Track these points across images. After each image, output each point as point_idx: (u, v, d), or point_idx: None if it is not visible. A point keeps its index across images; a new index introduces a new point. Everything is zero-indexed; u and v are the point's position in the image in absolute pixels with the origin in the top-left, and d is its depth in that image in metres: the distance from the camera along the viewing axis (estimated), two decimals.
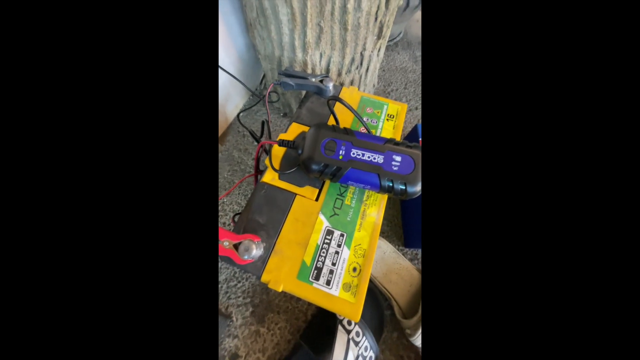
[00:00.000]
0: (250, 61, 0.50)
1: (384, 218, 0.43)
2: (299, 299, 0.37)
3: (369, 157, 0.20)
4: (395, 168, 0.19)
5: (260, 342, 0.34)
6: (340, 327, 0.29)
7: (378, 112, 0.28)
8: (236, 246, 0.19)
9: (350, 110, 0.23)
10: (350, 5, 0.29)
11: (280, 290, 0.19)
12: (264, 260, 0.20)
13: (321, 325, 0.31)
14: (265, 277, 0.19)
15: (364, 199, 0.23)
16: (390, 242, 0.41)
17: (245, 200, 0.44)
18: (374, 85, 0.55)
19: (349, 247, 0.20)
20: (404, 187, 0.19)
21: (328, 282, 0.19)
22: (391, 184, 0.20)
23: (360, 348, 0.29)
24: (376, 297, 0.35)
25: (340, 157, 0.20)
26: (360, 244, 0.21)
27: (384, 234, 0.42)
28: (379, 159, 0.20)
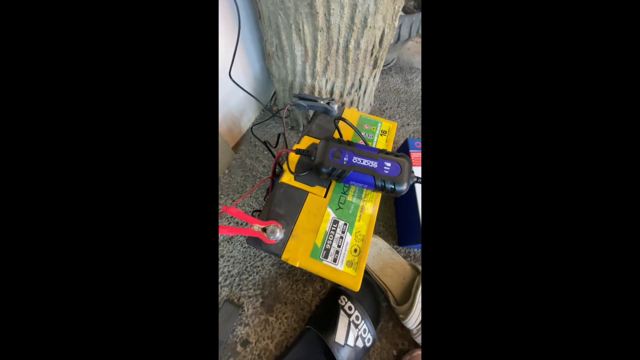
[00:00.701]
0: (263, 82, 0.58)
1: (381, 220, 0.49)
2: (304, 291, 0.41)
3: (366, 163, 0.26)
4: (386, 171, 0.25)
5: (269, 330, 0.38)
6: (342, 312, 0.34)
7: (374, 129, 0.35)
8: (264, 229, 0.24)
9: (352, 127, 0.30)
10: (351, 45, 0.37)
11: (297, 265, 0.24)
12: (284, 242, 0.25)
13: (325, 311, 0.35)
14: (285, 256, 0.24)
15: (363, 196, 0.28)
16: (386, 241, 0.46)
17: (256, 202, 0.49)
18: (370, 104, 0.63)
19: (350, 233, 0.26)
20: (393, 186, 0.25)
21: (335, 260, 0.24)
22: (383, 184, 0.25)
23: (359, 330, 0.33)
24: (374, 290, 0.39)
25: (344, 162, 0.26)
26: (359, 231, 0.26)
27: (380, 234, 0.47)
28: (374, 164, 0.26)
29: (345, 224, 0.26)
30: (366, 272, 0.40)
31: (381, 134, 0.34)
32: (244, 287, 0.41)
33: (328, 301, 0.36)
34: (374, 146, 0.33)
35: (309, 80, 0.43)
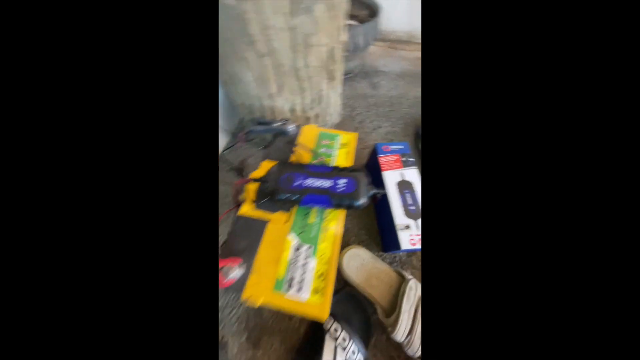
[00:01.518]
0: (227, 107, 0.58)
1: (363, 228, 0.48)
2: (291, 317, 0.39)
3: (320, 183, 0.25)
4: (340, 189, 0.25)
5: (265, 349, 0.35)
6: (327, 336, 0.32)
7: (332, 143, 0.35)
8: (220, 269, 0.23)
9: (305, 150, 0.29)
10: (300, 64, 0.37)
11: (258, 305, 0.23)
12: (244, 279, 0.24)
13: (309, 339, 0.34)
14: (245, 294, 0.23)
15: (324, 216, 0.28)
16: (369, 249, 0.45)
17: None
18: (339, 114, 0.64)
19: (315, 256, 0.25)
20: (349, 202, 0.25)
21: (299, 289, 0.23)
22: (339, 201, 0.25)
23: (347, 352, 0.31)
24: (362, 304, 0.38)
25: (298, 187, 0.25)
26: (324, 254, 0.25)
27: (363, 242, 0.46)
28: (328, 183, 0.25)
29: (309, 248, 0.25)
30: (353, 286, 0.39)
31: (341, 147, 0.34)
32: (227, 323, 0.39)
33: (313, 326, 0.35)
34: (333, 161, 0.32)
35: (266, 102, 0.43)
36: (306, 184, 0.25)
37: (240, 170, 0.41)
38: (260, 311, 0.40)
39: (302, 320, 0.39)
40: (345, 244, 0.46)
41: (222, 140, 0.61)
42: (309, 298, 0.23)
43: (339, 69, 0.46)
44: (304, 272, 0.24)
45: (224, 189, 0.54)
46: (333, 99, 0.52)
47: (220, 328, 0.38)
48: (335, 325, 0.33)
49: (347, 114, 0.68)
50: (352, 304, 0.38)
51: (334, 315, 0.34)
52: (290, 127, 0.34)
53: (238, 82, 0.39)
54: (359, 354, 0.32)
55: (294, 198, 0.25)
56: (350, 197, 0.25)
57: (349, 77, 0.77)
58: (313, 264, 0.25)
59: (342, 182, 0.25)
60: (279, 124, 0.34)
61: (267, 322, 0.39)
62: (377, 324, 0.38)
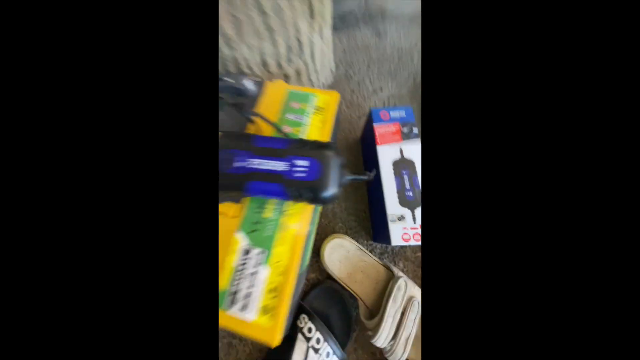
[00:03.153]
0: None
1: (352, 213, 0.41)
2: None
3: (268, 165, 0.17)
4: (300, 175, 0.17)
5: (233, 354, 0.34)
6: (299, 336, 0.28)
7: (304, 106, 0.25)
8: None
9: (266, 121, 0.20)
10: None
11: None
12: None
13: (286, 337, 0.30)
14: None
15: (283, 209, 0.20)
16: (358, 238, 0.39)
17: None
18: (331, 71, 0.51)
19: (266, 265, 0.19)
20: (312, 193, 0.17)
21: (244, 307, 0.18)
22: (298, 192, 0.17)
23: (321, 355, 0.28)
24: (342, 299, 0.34)
25: (238, 169, 0.17)
26: (279, 260, 0.19)
27: (352, 229, 0.40)
28: (280, 166, 0.17)
29: (261, 252, 0.19)
30: (334, 280, 0.34)
31: (316, 112, 0.25)
32: None
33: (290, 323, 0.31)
34: (303, 133, 0.23)
35: (225, 50, 0.32)
36: (251, 166, 0.17)
37: None
38: None
39: None
40: (330, 231, 0.40)
41: None
42: (256, 319, 0.17)
43: (321, 2, 0.33)
44: (252, 285, 0.18)
45: None
46: (319, 48, 0.40)
47: None
48: (310, 324, 0.29)
49: (341, 72, 0.54)
50: (331, 299, 0.34)
51: (308, 313, 0.30)
52: (248, 84, 0.24)
53: None
54: (334, 356, 0.29)
55: (236, 183, 0.18)
56: (313, 186, 0.17)
57: (350, 21, 0.60)
58: (265, 274, 0.18)
59: (301, 163, 0.17)
60: (232, 78, 0.24)
61: None
62: (359, 320, 0.34)
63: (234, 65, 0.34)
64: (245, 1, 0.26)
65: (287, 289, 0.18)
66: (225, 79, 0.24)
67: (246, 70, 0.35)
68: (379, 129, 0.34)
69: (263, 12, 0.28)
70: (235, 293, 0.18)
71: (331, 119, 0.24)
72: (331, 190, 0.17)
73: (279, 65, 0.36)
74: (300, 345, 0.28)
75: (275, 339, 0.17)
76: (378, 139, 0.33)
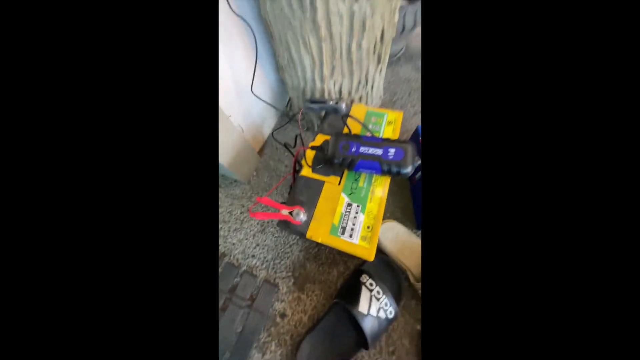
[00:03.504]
0: (278, 91, 0.65)
1: (398, 207, 0.51)
2: (330, 272, 0.46)
3: (372, 151, 0.29)
4: (390, 157, 0.29)
5: (301, 305, 0.43)
6: (363, 287, 0.38)
7: (380, 120, 0.38)
8: (290, 213, 0.29)
9: (358, 122, 0.33)
10: (353, 48, 0.41)
11: (319, 241, 0.29)
12: (307, 223, 0.30)
13: (349, 287, 0.39)
14: (309, 234, 0.29)
15: (373, 181, 0.32)
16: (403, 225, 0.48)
17: (281, 197, 0.56)
18: (380, 97, 0.65)
19: (363, 213, 0.30)
20: (398, 169, 0.29)
21: (350, 235, 0.29)
22: (389, 168, 0.29)
23: (381, 303, 0.36)
24: (394, 270, 0.42)
25: (353, 153, 0.30)
26: (371, 211, 0.30)
27: (398, 219, 0.50)
28: (379, 151, 0.29)
29: (358, 206, 0.30)
30: (386, 254, 0.43)
31: (387, 124, 0.38)
32: (278, 270, 0.47)
33: (351, 279, 0.41)
34: (380, 136, 0.36)
35: (318, 84, 0.47)
36: (360, 151, 0.30)
37: (291, 146, 0.48)
38: (304, 264, 0.47)
39: (339, 275, 0.45)
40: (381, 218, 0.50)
41: (273, 121, 0.68)
42: (358, 243, 0.28)
43: (386, 52, 0.48)
44: (354, 224, 0.29)
45: (273, 164, 0.62)
46: (377, 82, 0.54)
47: (272, 273, 0.47)
48: (371, 281, 0.38)
49: (387, 98, 0.69)
50: (385, 269, 0.42)
51: (369, 273, 0.39)
52: (342, 105, 0.38)
53: (297, 65, 0.45)
54: (391, 307, 0.37)
55: (348, 162, 0.30)
56: (398, 165, 0.29)
57: (393, 60, 0.76)
58: (362, 218, 0.30)
59: (391, 151, 0.29)
60: (333, 102, 0.39)
61: (310, 273, 0.46)
62: (407, 290, 0.42)
63: (320, 93, 0.50)
64: (341, 56, 0.42)
65: (376, 228, 0.29)
66: (329, 103, 0.39)
67: (327, 96, 0.50)
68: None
69: (351, 62, 0.43)
70: (344, 227, 0.29)
71: (398, 129, 0.37)
72: (409, 167, 0.29)
73: (349, 93, 0.51)
74: (365, 293, 0.37)
75: (371, 255, 0.27)
76: None
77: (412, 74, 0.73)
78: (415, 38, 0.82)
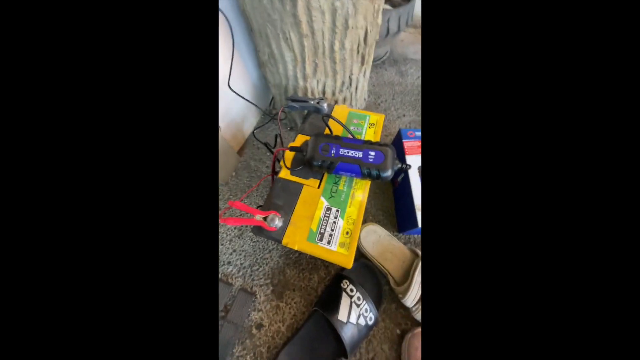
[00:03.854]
0: (261, 88, 0.62)
1: (381, 209, 0.51)
2: (310, 278, 0.44)
3: (352, 153, 0.28)
4: (370, 160, 0.28)
5: (280, 314, 0.41)
6: (344, 293, 0.36)
7: (362, 122, 0.37)
8: (265, 218, 0.27)
9: (339, 123, 0.32)
10: (336, 47, 0.39)
11: (296, 248, 0.27)
12: (283, 229, 0.28)
13: (329, 294, 0.38)
14: (285, 240, 0.27)
15: (353, 184, 0.31)
16: (385, 229, 0.48)
17: (261, 199, 0.53)
18: (365, 99, 0.65)
19: (342, 218, 0.29)
20: (377, 172, 0.28)
21: (329, 242, 0.27)
22: (369, 171, 0.28)
23: (361, 309, 0.35)
24: (375, 274, 0.42)
25: (332, 155, 0.29)
26: (350, 216, 0.29)
27: (380, 222, 0.49)
28: (359, 154, 0.28)
29: (337, 211, 0.29)
30: (367, 258, 0.43)
31: (369, 126, 0.37)
32: (255, 277, 0.45)
33: (332, 285, 0.39)
34: (362, 138, 0.35)
35: (301, 82, 0.46)
36: (340, 153, 0.28)
37: (271, 146, 0.45)
38: (283, 270, 0.45)
39: (320, 281, 0.43)
40: (363, 221, 0.49)
41: (255, 119, 0.65)
42: (336, 249, 0.27)
43: (370, 53, 0.47)
44: (333, 229, 0.28)
45: (254, 164, 0.59)
46: (361, 83, 0.54)
47: (249, 281, 0.44)
48: (352, 286, 0.37)
49: (371, 100, 0.69)
50: (366, 273, 0.42)
51: (350, 278, 0.38)
52: (324, 105, 0.37)
53: (278, 61, 0.43)
54: (371, 313, 0.36)
55: (328, 164, 0.29)
56: (378, 168, 0.28)
57: (377, 63, 0.77)
58: (341, 223, 0.28)
59: (371, 154, 0.28)
60: (315, 101, 0.37)
61: (289, 280, 0.44)
62: (387, 294, 0.41)
63: (303, 92, 0.48)
64: (324, 54, 0.41)
65: (355, 234, 0.28)
66: (311, 102, 0.37)
67: (310, 95, 0.49)
68: (407, 143, 0.46)
69: (334, 61, 0.42)
70: (322, 233, 0.28)
71: (379, 131, 0.36)
72: (389, 171, 0.28)
73: (333, 94, 0.50)
74: (345, 299, 0.36)
75: (349, 263, 0.26)
76: (406, 151, 0.45)
77: (396, 77, 0.74)
78: (400, 43, 0.84)
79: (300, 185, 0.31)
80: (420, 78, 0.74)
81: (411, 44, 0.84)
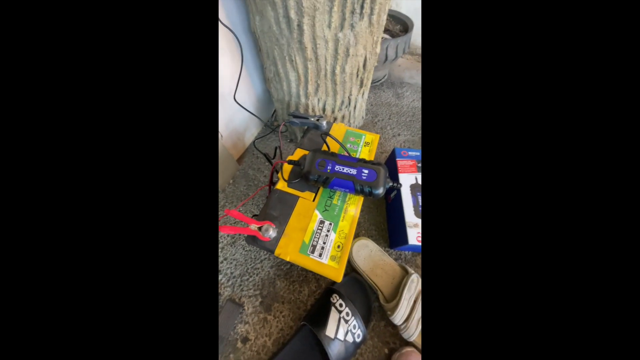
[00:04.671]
0: (264, 101, 0.65)
1: (373, 224, 0.52)
2: (300, 291, 0.44)
3: (347, 170, 0.30)
4: (364, 177, 0.30)
5: (267, 328, 0.40)
6: (333, 308, 0.36)
7: (358, 141, 0.39)
8: (259, 228, 0.28)
9: (336, 141, 0.34)
10: (337, 71, 0.43)
11: (288, 259, 0.28)
12: (277, 240, 0.29)
13: (318, 308, 0.38)
14: (277, 251, 0.28)
15: (346, 199, 0.32)
16: (377, 244, 0.49)
17: (257, 208, 0.54)
18: (362, 118, 0.69)
19: (335, 232, 0.30)
20: (370, 189, 0.29)
21: (320, 255, 0.28)
22: (361, 188, 0.30)
23: (349, 325, 0.35)
24: (365, 290, 0.42)
25: (328, 170, 0.30)
26: (343, 230, 0.30)
27: (372, 237, 0.50)
28: (353, 171, 0.30)
29: (330, 224, 0.30)
30: (358, 273, 0.43)
31: (364, 145, 0.39)
32: (245, 287, 0.44)
33: (321, 299, 0.39)
34: (357, 156, 0.37)
35: (303, 100, 0.49)
36: (335, 169, 0.30)
37: (271, 157, 0.47)
38: (274, 282, 0.45)
39: (310, 295, 0.43)
40: (355, 236, 0.50)
41: (256, 130, 0.67)
42: (327, 262, 0.27)
43: (369, 77, 0.51)
44: (325, 242, 0.29)
45: (252, 173, 0.60)
46: (359, 103, 0.57)
47: (238, 291, 0.44)
48: (341, 301, 0.37)
49: (369, 119, 0.72)
50: (357, 288, 0.42)
51: (339, 293, 0.38)
52: (324, 123, 0.39)
53: (283, 80, 0.46)
54: (359, 330, 0.36)
55: (323, 179, 0.30)
56: (371, 185, 0.29)
57: (376, 85, 0.82)
58: (333, 236, 0.29)
59: (365, 172, 0.30)
60: (315, 118, 0.39)
61: (279, 292, 0.44)
62: (377, 311, 0.41)
63: (304, 108, 0.51)
64: (326, 76, 0.44)
65: (347, 247, 0.28)
66: (311, 119, 0.40)
67: (311, 112, 0.52)
68: (400, 162, 0.48)
69: (334, 83, 0.45)
70: (314, 246, 0.29)
71: (374, 150, 0.38)
72: (381, 189, 0.29)
73: (333, 111, 0.53)
74: (333, 315, 0.35)
75: (339, 277, 0.27)
76: (400, 169, 0.47)
77: (393, 99, 0.79)
78: (397, 67, 0.90)
79: (296, 198, 0.32)
80: (415, 101, 0.79)
81: (407, 69, 0.90)
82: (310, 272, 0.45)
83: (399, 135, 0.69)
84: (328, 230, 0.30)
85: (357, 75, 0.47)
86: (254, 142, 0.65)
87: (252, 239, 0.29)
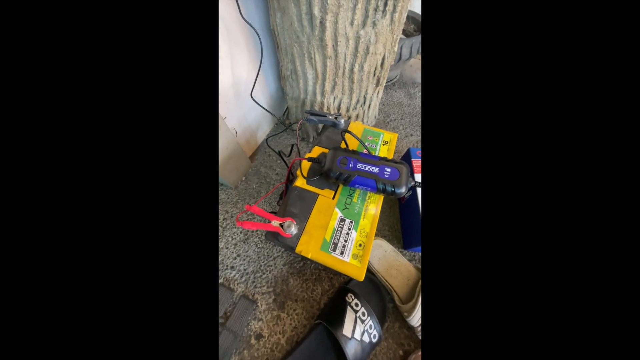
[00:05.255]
0: (277, 99, 0.65)
1: (387, 224, 0.52)
2: (314, 289, 0.44)
3: (369, 168, 0.30)
4: (386, 176, 0.29)
5: (280, 325, 0.40)
6: (349, 307, 0.36)
7: (376, 139, 0.39)
8: (281, 225, 0.28)
9: (357, 139, 0.34)
10: (355, 69, 0.42)
11: (309, 256, 0.27)
12: (298, 237, 0.29)
13: (333, 307, 0.38)
14: (298, 248, 0.28)
15: (367, 198, 0.32)
16: (391, 244, 0.48)
17: (269, 205, 0.54)
18: (375, 117, 0.68)
19: (356, 230, 0.29)
20: (392, 189, 0.29)
21: (342, 253, 0.28)
22: (384, 187, 0.29)
23: (365, 325, 0.35)
24: (380, 291, 0.42)
25: (350, 168, 0.30)
26: (364, 228, 0.30)
27: (386, 238, 0.50)
28: (376, 169, 0.30)
29: (351, 222, 0.30)
30: (372, 273, 0.43)
31: (383, 144, 0.39)
32: (258, 284, 0.44)
33: (336, 298, 0.39)
34: (376, 154, 0.37)
35: (319, 98, 0.48)
36: (357, 167, 0.30)
37: (285, 155, 0.47)
38: (287, 280, 0.45)
39: (323, 293, 0.43)
40: None
41: (268, 127, 0.68)
42: (349, 261, 0.27)
43: (385, 76, 0.51)
44: (347, 241, 0.29)
45: (264, 171, 0.60)
46: (374, 102, 0.57)
47: (252, 288, 0.44)
48: (357, 301, 0.37)
49: (381, 119, 0.72)
50: (371, 288, 0.41)
51: (354, 292, 0.38)
52: (342, 121, 0.39)
53: (300, 77, 0.46)
54: (375, 330, 0.35)
55: (345, 177, 0.30)
56: (393, 184, 0.29)
57: (388, 84, 0.81)
58: (354, 235, 0.29)
59: (387, 170, 0.30)
60: (332, 117, 0.39)
61: (292, 290, 0.43)
62: (391, 312, 0.41)
63: (319, 106, 0.51)
64: (344, 74, 0.44)
65: (368, 246, 0.28)
66: (329, 116, 0.39)
67: (326, 110, 0.51)
68: (415, 162, 0.47)
69: (352, 81, 0.45)
70: (336, 244, 0.28)
71: (393, 148, 0.38)
72: (403, 188, 0.29)
73: (347, 110, 0.53)
74: (349, 314, 0.35)
75: (362, 275, 0.26)
76: (415, 169, 0.46)
77: (405, 99, 0.78)
78: (409, 68, 0.89)
79: (316, 195, 0.32)
80: None
81: (419, 69, 0.89)
82: (324, 270, 0.45)
83: (411, 135, 0.68)
84: (349, 229, 0.29)
85: (374, 74, 0.47)
86: (266, 140, 0.65)
87: (273, 236, 0.29)
